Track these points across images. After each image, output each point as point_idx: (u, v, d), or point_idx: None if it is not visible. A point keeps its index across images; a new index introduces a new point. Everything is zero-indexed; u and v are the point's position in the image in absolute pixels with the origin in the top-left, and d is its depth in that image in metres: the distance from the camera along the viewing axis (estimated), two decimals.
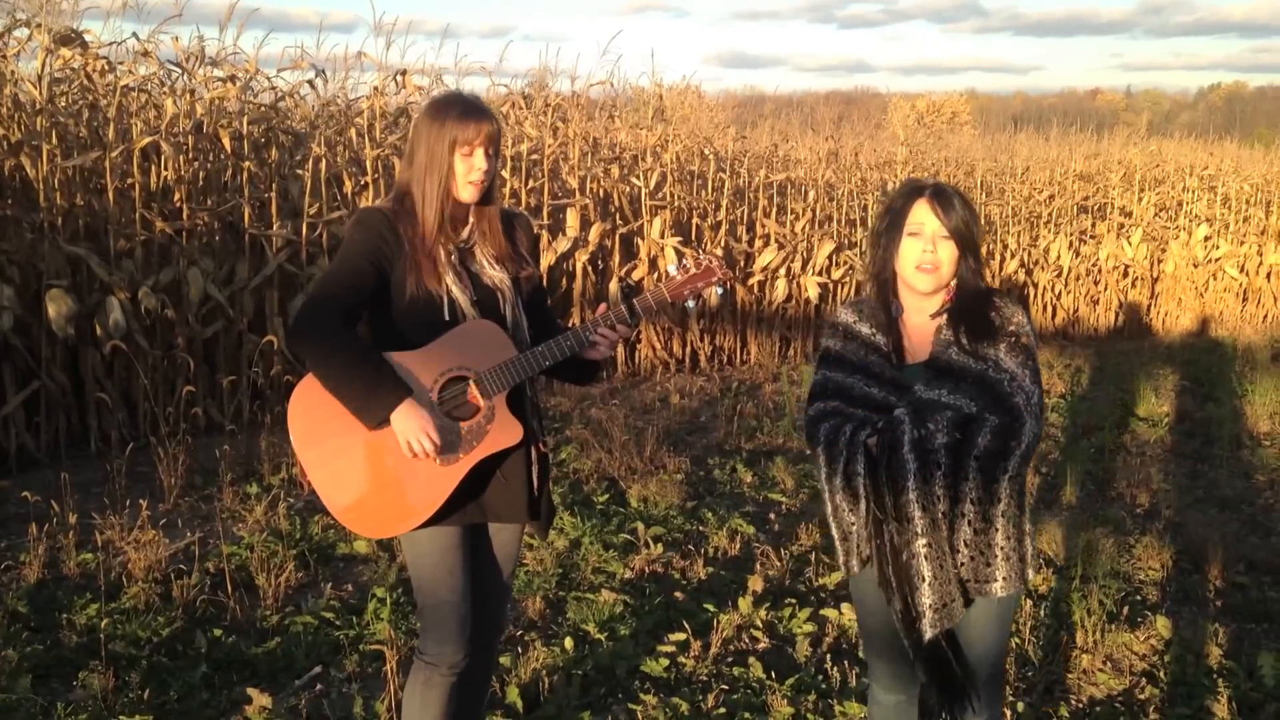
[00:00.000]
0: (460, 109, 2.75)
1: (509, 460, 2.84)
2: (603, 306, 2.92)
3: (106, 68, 7.25)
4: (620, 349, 9.49)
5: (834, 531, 2.74)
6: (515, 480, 2.87)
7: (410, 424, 2.65)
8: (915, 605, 2.56)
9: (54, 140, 6.63)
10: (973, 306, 2.64)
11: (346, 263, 2.74)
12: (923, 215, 2.63)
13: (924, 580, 2.54)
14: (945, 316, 2.66)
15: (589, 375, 3.07)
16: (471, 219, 2.83)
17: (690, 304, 2.97)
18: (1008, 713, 3.75)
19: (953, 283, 2.67)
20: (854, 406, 2.68)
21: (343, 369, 2.64)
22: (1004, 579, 2.58)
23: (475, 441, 2.75)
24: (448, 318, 2.74)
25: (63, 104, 7.04)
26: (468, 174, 2.75)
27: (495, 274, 2.84)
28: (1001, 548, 2.58)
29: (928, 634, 2.56)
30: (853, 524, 2.68)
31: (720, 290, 2.95)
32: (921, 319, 2.70)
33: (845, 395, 2.71)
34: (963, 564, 2.57)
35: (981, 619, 2.66)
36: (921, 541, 2.54)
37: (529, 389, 2.89)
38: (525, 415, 2.85)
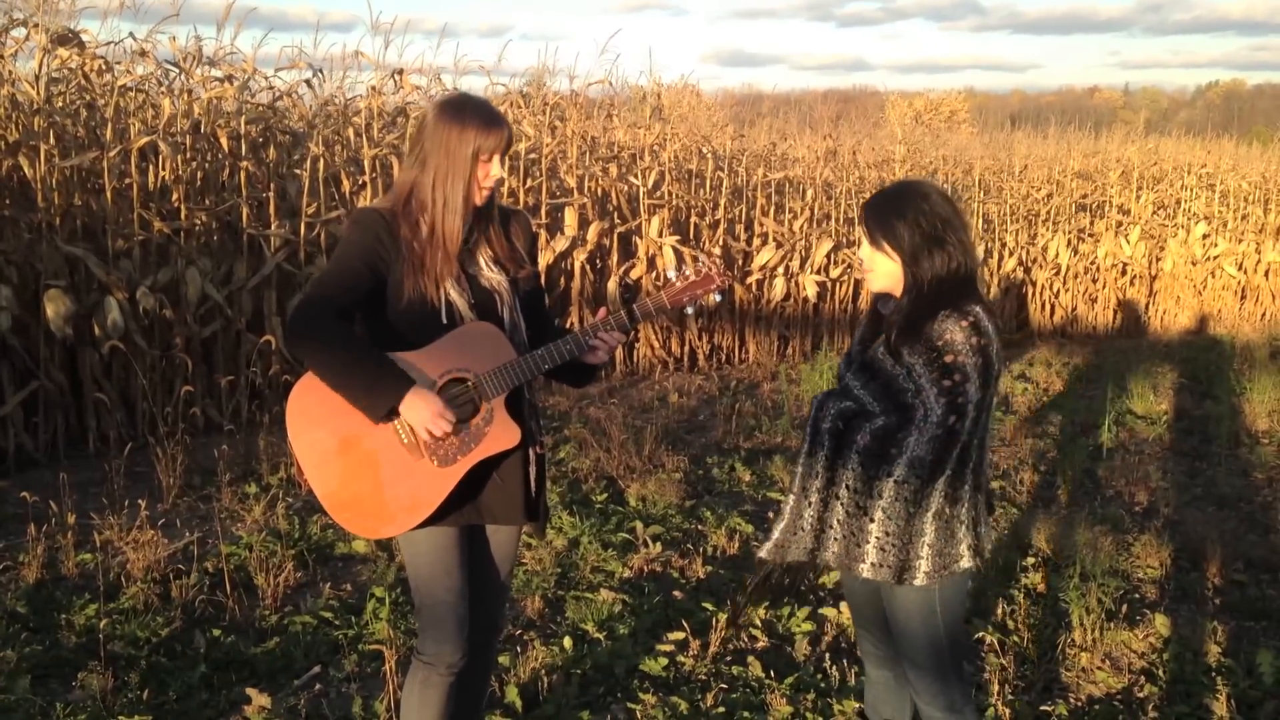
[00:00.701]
0: (483, 115, 2.75)
1: (506, 462, 2.84)
2: (602, 311, 2.93)
3: (104, 67, 7.25)
4: (619, 348, 9.47)
5: None
6: (512, 481, 2.87)
7: (422, 409, 2.64)
8: (769, 534, 2.89)
9: (51, 140, 6.62)
10: (912, 312, 2.72)
11: (342, 263, 2.73)
12: (861, 227, 2.85)
13: (781, 520, 2.87)
14: (894, 314, 2.80)
15: (586, 378, 3.07)
16: (471, 221, 2.84)
17: (689, 310, 2.99)
18: (1006, 711, 3.75)
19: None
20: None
21: (344, 364, 2.63)
22: (871, 565, 2.72)
23: (473, 443, 2.75)
24: (445, 321, 2.74)
25: (60, 104, 7.04)
26: (484, 180, 2.76)
27: (494, 276, 2.83)
28: (877, 537, 2.71)
29: (761, 551, 2.90)
30: None
31: (719, 297, 2.98)
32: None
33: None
34: (835, 539, 2.77)
35: (902, 608, 2.82)
36: (792, 496, 2.85)
37: (527, 390, 2.89)
38: (523, 417, 2.85)
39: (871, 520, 2.71)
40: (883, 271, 2.79)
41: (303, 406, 2.75)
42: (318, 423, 2.73)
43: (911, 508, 2.68)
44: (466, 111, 2.75)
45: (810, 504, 2.80)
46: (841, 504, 2.76)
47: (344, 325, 2.68)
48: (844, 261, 11.09)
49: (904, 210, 2.73)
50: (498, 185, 2.83)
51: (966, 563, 2.75)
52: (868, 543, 2.72)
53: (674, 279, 2.95)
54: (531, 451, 2.90)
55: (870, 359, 2.80)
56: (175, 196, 7.21)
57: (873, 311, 2.93)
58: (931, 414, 2.65)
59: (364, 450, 2.72)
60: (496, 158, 2.76)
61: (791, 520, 2.85)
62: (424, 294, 2.73)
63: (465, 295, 2.77)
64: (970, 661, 4.09)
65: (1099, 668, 4.17)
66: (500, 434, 2.77)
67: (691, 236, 10.25)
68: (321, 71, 8.43)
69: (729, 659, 4.15)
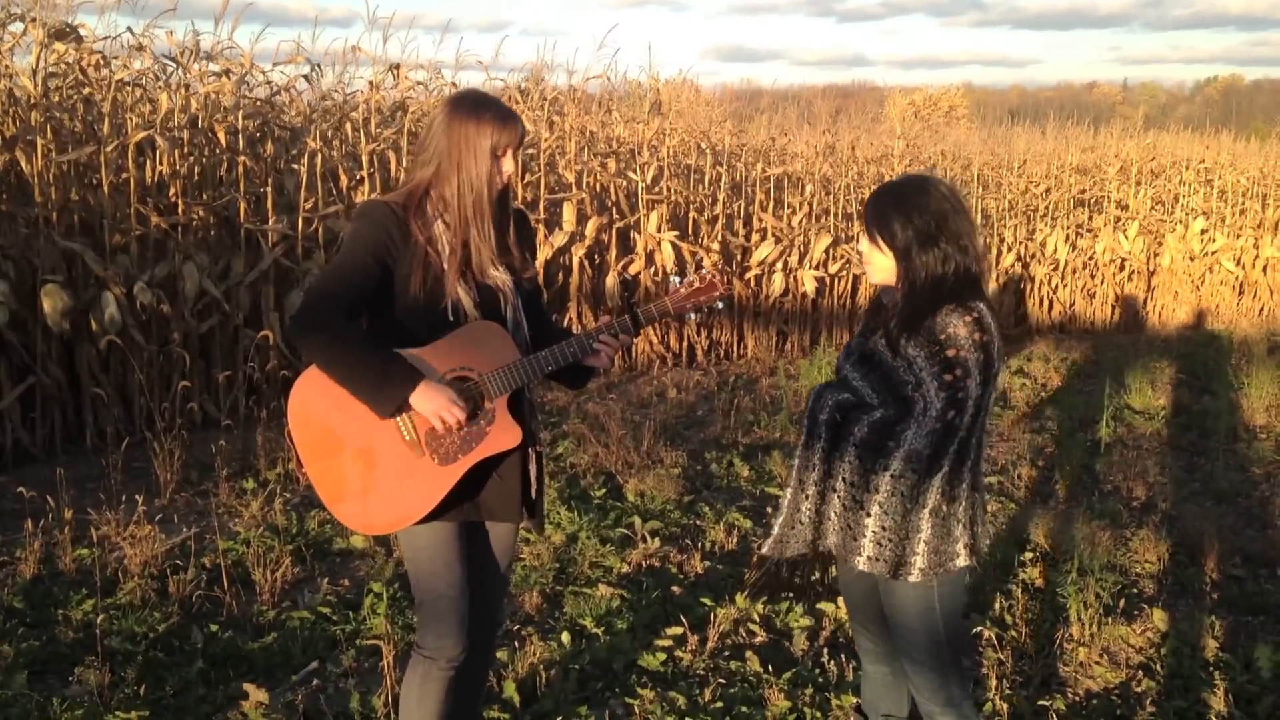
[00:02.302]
0: (498, 111, 2.77)
1: (506, 460, 2.85)
2: (606, 317, 2.95)
3: (101, 62, 7.23)
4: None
5: None
6: (511, 479, 2.88)
7: (434, 400, 2.64)
8: (776, 529, 2.90)
9: (49, 135, 6.61)
10: (914, 305, 2.72)
11: (350, 257, 2.72)
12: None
13: (780, 515, 2.89)
14: (891, 308, 2.81)
15: (584, 379, 3.08)
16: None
17: (692, 315, 3.03)
18: (1004, 706, 3.75)
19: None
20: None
21: (352, 360, 2.63)
22: (868, 558, 2.72)
23: (475, 443, 2.75)
24: (451, 317, 2.74)
25: (57, 99, 7.02)
26: (499, 175, 2.78)
27: (499, 274, 2.84)
28: (874, 530, 2.71)
29: (763, 547, 2.92)
30: None
31: (722, 305, 3.03)
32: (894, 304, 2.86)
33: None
34: (832, 531, 2.79)
35: (900, 604, 2.82)
36: (789, 490, 2.87)
37: (527, 389, 2.90)
38: (524, 416, 2.85)
39: (868, 514, 2.70)
40: (879, 265, 2.81)
41: (305, 401, 2.74)
42: (320, 417, 2.73)
43: (908, 503, 2.67)
44: (482, 108, 2.76)
45: (807, 496, 2.81)
46: (838, 496, 2.76)
47: (352, 321, 2.67)
48: (842, 257, 11.08)
49: (900, 206, 2.74)
50: (510, 182, 2.85)
51: (963, 561, 2.75)
52: (864, 536, 2.72)
53: (679, 285, 2.98)
54: (531, 450, 2.91)
55: (870, 351, 2.79)
56: (173, 191, 7.20)
57: (876, 302, 2.94)
58: (931, 407, 2.64)
59: (365, 446, 2.72)
60: (511, 152, 2.78)
61: (789, 514, 2.86)
62: (431, 289, 2.72)
63: (471, 293, 2.77)
64: (968, 656, 4.09)
65: (1097, 663, 4.17)
66: (501, 434, 2.77)
67: (690, 232, 10.24)
68: (320, 67, 8.42)
69: (727, 654, 4.15)
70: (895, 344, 2.71)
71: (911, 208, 2.72)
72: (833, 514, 2.78)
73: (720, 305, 3.01)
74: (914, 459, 2.65)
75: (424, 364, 2.70)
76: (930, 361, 2.65)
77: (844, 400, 2.78)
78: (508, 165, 2.78)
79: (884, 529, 2.69)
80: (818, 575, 3.02)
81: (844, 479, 2.74)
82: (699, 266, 3.02)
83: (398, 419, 2.70)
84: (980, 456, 2.80)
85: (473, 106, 2.76)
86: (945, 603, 2.79)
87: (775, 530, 2.89)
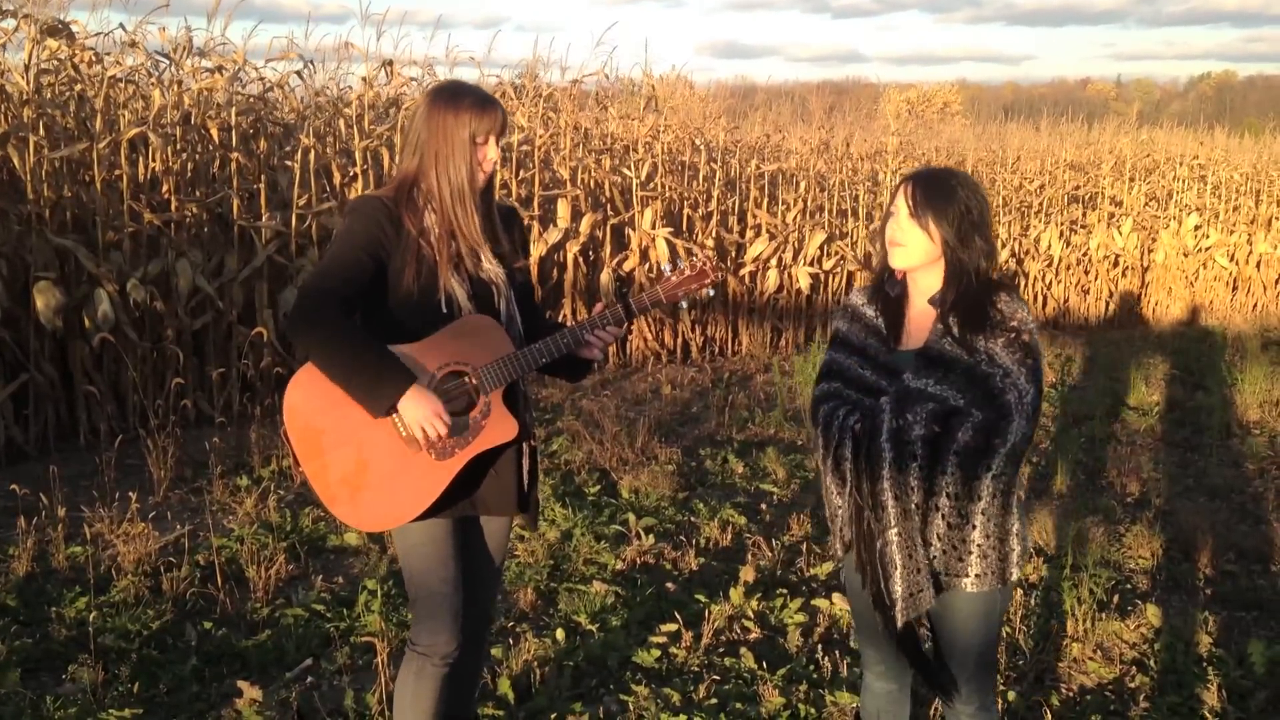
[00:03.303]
0: (476, 98, 2.76)
1: (502, 454, 2.84)
2: (599, 305, 2.94)
3: (94, 59, 7.21)
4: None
5: (828, 511, 2.79)
6: (506, 474, 2.88)
7: (421, 409, 2.63)
8: (888, 593, 2.59)
9: (41, 132, 6.59)
10: (971, 297, 2.62)
11: (343, 252, 2.72)
12: (900, 199, 2.66)
13: (895, 568, 2.57)
14: (946, 306, 2.64)
15: (581, 372, 3.07)
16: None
17: (684, 304, 3.01)
18: (999, 701, 3.75)
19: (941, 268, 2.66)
20: (850, 389, 2.71)
21: (346, 357, 2.62)
22: (977, 575, 2.58)
23: (471, 437, 2.74)
24: (445, 311, 2.74)
25: (50, 95, 6.99)
26: (483, 163, 2.77)
27: (492, 267, 2.83)
28: (979, 544, 2.57)
29: (899, 621, 2.59)
30: (839, 508, 2.70)
31: (712, 291, 3.01)
32: (923, 305, 2.70)
33: (844, 377, 2.74)
34: (935, 556, 2.59)
35: (963, 613, 2.67)
36: (893, 531, 2.56)
37: (522, 384, 2.89)
38: (519, 410, 2.85)
39: (974, 527, 2.57)
40: (918, 248, 2.63)
41: (300, 397, 2.74)
42: (315, 413, 2.72)
43: (1005, 499, 2.58)
44: (459, 96, 2.76)
45: (918, 525, 2.58)
46: (942, 515, 2.57)
47: (346, 316, 2.67)
48: (837, 253, 11.09)
49: (955, 193, 2.62)
50: (493, 171, 2.84)
51: (1029, 550, 2.69)
52: (970, 554, 2.57)
53: (669, 273, 2.97)
54: (525, 444, 2.90)
55: (938, 354, 2.61)
56: (165, 188, 7.18)
57: (884, 300, 2.76)
58: (1026, 394, 2.55)
59: (361, 442, 2.72)
60: (493, 139, 2.77)
61: (905, 558, 2.57)
62: (425, 282, 2.72)
63: (465, 286, 2.77)
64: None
65: (1091, 658, 4.18)
66: (497, 428, 2.77)
67: (684, 228, 10.23)
68: (313, 63, 8.40)
69: (721, 650, 4.15)
70: (972, 341, 2.58)
71: (969, 195, 2.62)
72: (935, 538, 2.58)
73: (712, 292, 2.99)
74: (1014, 454, 2.55)
75: (418, 359, 2.70)
76: (1010, 349, 2.57)
77: (935, 410, 2.55)
78: (490, 152, 2.77)
79: (988, 537, 2.58)
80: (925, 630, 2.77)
81: (948, 495, 2.55)
82: (690, 254, 3.02)
83: (393, 415, 2.69)
84: None
85: (451, 96, 2.76)
86: (1005, 604, 2.69)
87: (898, 588, 2.57)
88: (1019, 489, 2.65)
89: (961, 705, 2.76)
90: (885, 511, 2.57)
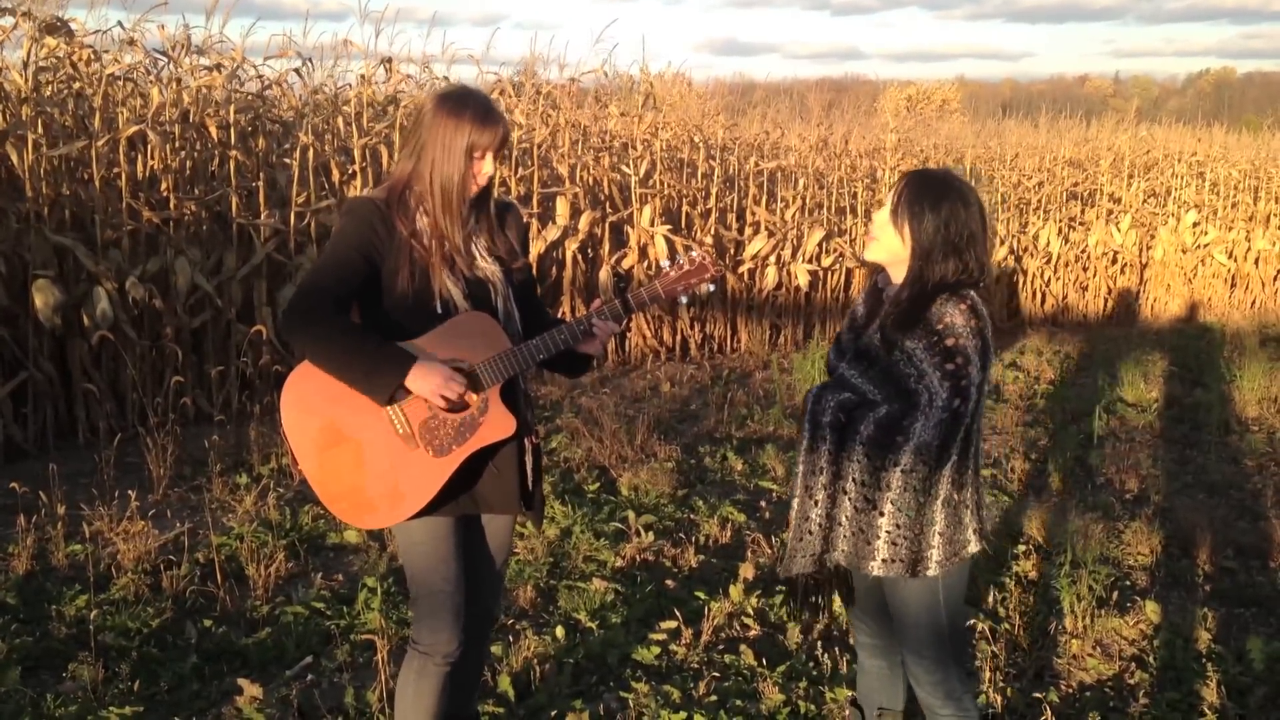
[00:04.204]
0: (480, 111, 2.74)
1: (502, 451, 2.84)
2: (597, 301, 2.94)
3: (92, 56, 7.19)
4: (611, 338, 9.45)
5: None
6: (508, 471, 2.87)
7: (431, 379, 2.63)
8: (788, 545, 2.84)
9: (39, 129, 6.58)
10: (910, 297, 2.69)
11: (336, 253, 2.73)
12: (891, 194, 2.76)
13: (789, 529, 2.84)
14: (890, 303, 2.75)
15: (581, 368, 3.07)
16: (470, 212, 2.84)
17: (683, 299, 3.00)
18: (998, 698, 3.76)
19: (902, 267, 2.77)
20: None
21: (344, 350, 2.62)
22: (883, 560, 2.68)
23: (469, 433, 2.74)
24: (440, 310, 2.74)
25: (48, 93, 6.99)
26: (475, 176, 2.77)
27: (488, 266, 2.84)
28: (887, 531, 2.67)
29: (790, 571, 2.84)
30: None
31: (712, 287, 2.99)
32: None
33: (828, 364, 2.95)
34: (844, 537, 2.73)
35: (899, 598, 2.80)
36: (795, 499, 2.81)
37: (521, 380, 2.89)
38: (518, 406, 2.85)
39: (881, 514, 2.66)
40: (888, 246, 2.73)
41: (298, 395, 2.74)
42: (313, 411, 2.73)
43: (921, 496, 2.64)
44: (464, 106, 2.75)
45: (816, 503, 2.74)
46: (849, 499, 2.70)
47: (340, 313, 2.67)
48: (836, 250, 11.08)
49: (938, 208, 2.67)
50: (491, 179, 2.83)
51: (974, 547, 2.73)
52: (878, 538, 2.67)
53: (668, 269, 2.96)
54: (527, 441, 2.91)
55: (866, 347, 2.75)
56: (164, 186, 7.17)
57: (871, 291, 2.88)
58: (936, 398, 2.62)
59: (359, 440, 2.72)
60: (490, 155, 2.76)
61: (797, 525, 2.79)
62: (419, 283, 2.73)
63: (460, 285, 2.77)
64: (963, 649, 4.10)
65: (1090, 655, 4.18)
66: (496, 424, 2.77)
67: (683, 226, 10.23)
68: (311, 60, 8.39)
69: (721, 647, 4.16)
70: (892, 340, 2.67)
71: (951, 214, 2.66)
72: (844, 519, 2.72)
73: (711, 287, 2.98)
74: (924, 451, 2.62)
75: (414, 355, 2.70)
76: (930, 352, 2.63)
77: (846, 400, 2.72)
78: (485, 167, 2.76)
79: (898, 527, 2.65)
80: (838, 594, 2.94)
81: (854, 479, 2.68)
82: (689, 250, 3.01)
83: (390, 412, 2.69)
84: (980, 442, 2.80)
85: (455, 104, 2.75)
86: (950, 593, 2.77)
87: (789, 546, 2.82)
88: (952, 490, 2.68)
89: (928, 697, 2.86)
90: (797, 482, 2.81)
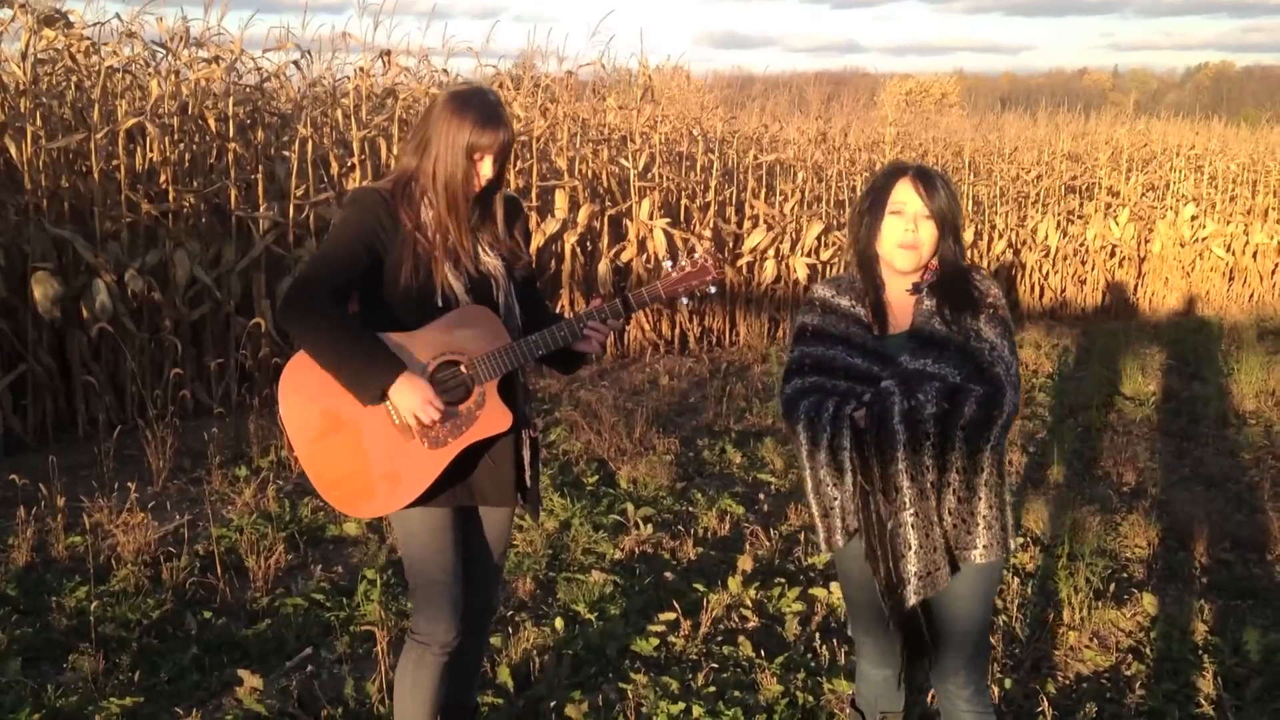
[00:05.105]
0: (483, 114, 2.74)
1: (499, 444, 2.85)
2: (598, 300, 2.94)
3: (91, 49, 7.20)
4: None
5: (814, 509, 2.75)
6: (504, 464, 2.88)
7: (412, 396, 2.65)
8: (900, 573, 2.59)
9: (38, 122, 6.58)
10: (954, 280, 2.70)
11: (338, 243, 2.73)
12: (905, 195, 2.67)
13: (909, 548, 2.58)
14: (926, 289, 2.71)
15: (575, 365, 3.08)
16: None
17: (684, 300, 3.00)
18: (995, 689, 3.77)
19: (933, 261, 2.71)
20: (836, 379, 2.70)
21: (336, 346, 2.64)
22: (984, 546, 2.63)
23: (465, 427, 2.75)
24: (441, 303, 2.74)
25: (47, 85, 6.99)
26: (473, 177, 2.77)
27: (490, 260, 2.84)
28: (984, 515, 2.62)
29: (910, 601, 2.60)
30: (835, 499, 2.69)
31: (714, 289, 3.00)
32: (900, 292, 2.75)
33: (826, 369, 2.73)
34: (946, 532, 2.61)
35: (964, 588, 2.69)
36: (909, 511, 2.56)
37: (520, 374, 2.90)
38: (516, 401, 2.85)
39: (979, 498, 2.61)
40: (929, 246, 2.68)
41: (295, 384, 2.75)
42: (310, 401, 2.74)
43: (999, 471, 2.64)
44: (469, 106, 2.75)
45: (935, 504, 2.59)
46: (953, 491, 2.59)
47: (338, 306, 2.68)
48: (834, 244, 11.08)
49: (947, 185, 2.71)
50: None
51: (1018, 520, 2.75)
52: (978, 525, 2.61)
53: (670, 269, 2.96)
54: (525, 434, 2.91)
55: (930, 334, 2.64)
56: (163, 178, 7.17)
57: (861, 290, 2.78)
58: (1012, 366, 2.63)
59: (355, 430, 2.73)
60: (489, 158, 2.76)
61: (921, 538, 2.57)
62: (422, 277, 2.73)
63: (463, 280, 2.77)
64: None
65: (1087, 646, 4.20)
66: (492, 418, 2.77)
67: (682, 219, 10.23)
68: (310, 53, 8.39)
69: (719, 639, 4.17)
70: (960, 320, 2.64)
71: (952, 195, 2.72)
72: (947, 513, 2.60)
73: (713, 289, 2.99)
74: (1008, 424, 2.60)
75: (412, 349, 2.71)
76: (992, 324, 2.65)
77: (943, 388, 2.56)
78: (485, 169, 2.76)
79: (991, 508, 2.62)
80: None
81: (958, 470, 2.58)
82: (691, 251, 3.01)
83: (387, 402, 2.70)
84: None
85: (460, 104, 2.75)
86: (999, 580, 2.76)
87: (913, 568, 2.57)
88: (1008, 461, 2.72)
89: (958, 689, 2.77)
90: (900, 494, 2.56)
